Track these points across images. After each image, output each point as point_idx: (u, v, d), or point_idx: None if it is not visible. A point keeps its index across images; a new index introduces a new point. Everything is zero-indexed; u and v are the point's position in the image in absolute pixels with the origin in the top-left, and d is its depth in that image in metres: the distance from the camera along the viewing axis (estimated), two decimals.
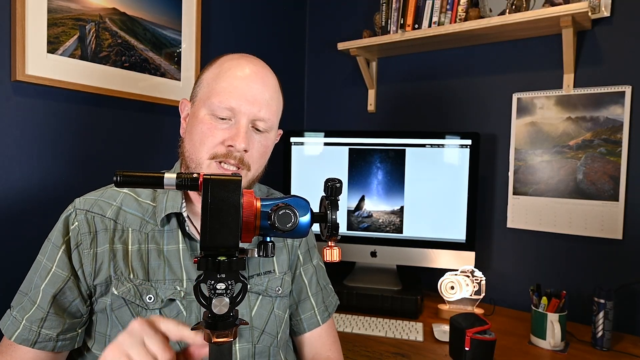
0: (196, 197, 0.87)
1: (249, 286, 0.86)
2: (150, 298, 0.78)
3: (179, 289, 0.80)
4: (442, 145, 1.55)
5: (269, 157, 0.89)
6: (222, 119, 0.80)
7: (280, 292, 0.90)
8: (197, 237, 0.84)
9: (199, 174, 0.52)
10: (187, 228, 0.84)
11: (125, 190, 0.86)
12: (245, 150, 0.80)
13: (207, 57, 1.64)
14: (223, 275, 0.50)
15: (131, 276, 0.79)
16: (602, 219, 1.43)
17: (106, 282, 0.78)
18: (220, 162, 0.80)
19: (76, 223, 0.80)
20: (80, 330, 0.80)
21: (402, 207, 1.58)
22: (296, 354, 1.00)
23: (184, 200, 0.84)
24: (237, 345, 0.82)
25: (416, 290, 1.52)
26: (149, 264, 0.80)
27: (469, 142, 1.52)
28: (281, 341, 0.90)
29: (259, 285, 0.88)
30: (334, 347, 1.00)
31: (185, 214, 0.83)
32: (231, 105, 0.79)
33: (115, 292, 0.77)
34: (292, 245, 0.97)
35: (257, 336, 0.85)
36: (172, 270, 0.81)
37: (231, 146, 0.79)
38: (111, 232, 0.81)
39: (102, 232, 0.80)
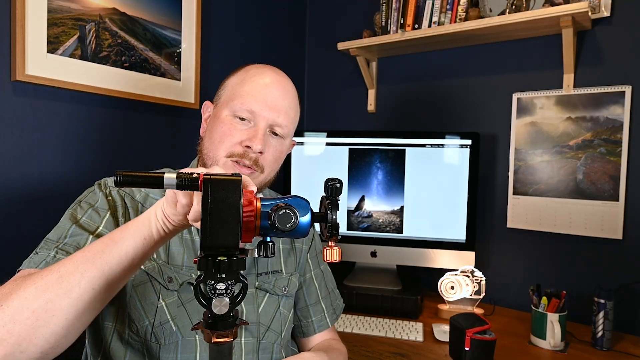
0: None
1: (257, 283, 0.89)
2: (169, 279, 0.80)
3: (194, 276, 0.82)
4: (442, 145, 1.55)
5: (282, 163, 0.92)
6: (242, 119, 0.84)
7: (286, 291, 0.93)
8: None
9: (199, 173, 0.52)
10: None
11: None
12: (261, 152, 0.84)
13: (207, 57, 1.64)
14: (223, 276, 0.50)
15: (154, 256, 0.81)
16: (602, 219, 1.43)
17: None
18: (236, 162, 0.84)
19: (111, 197, 0.83)
20: None
21: (402, 207, 1.58)
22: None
23: None
24: (242, 339, 0.85)
25: (416, 290, 1.52)
26: (169, 248, 0.83)
27: (469, 142, 1.52)
28: (284, 340, 0.92)
29: (267, 284, 0.90)
30: (339, 341, 1.04)
31: None
32: (252, 108, 0.84)
33: (142, 267, 0.79)
34: (300, 248, 1.00)
35: (262, 332, 0.87)
36: (190, 257, 0.84)
37: (248, 147, 0.83)
38: (138, 213, 0.83)
39: (132, 210, 0.83)
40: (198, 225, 0.59)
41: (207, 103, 0.93)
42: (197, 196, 0.57)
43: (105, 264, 0.60)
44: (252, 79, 0.86)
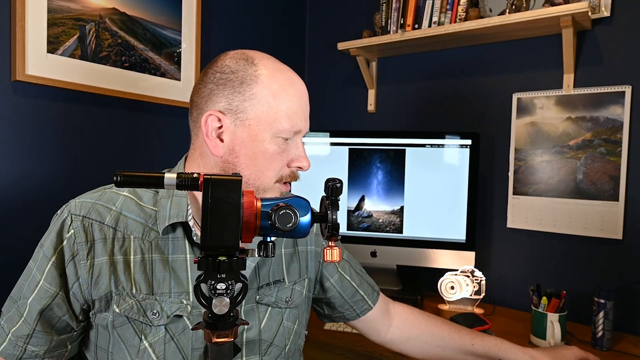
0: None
1: (258, 297, 0.83)
2: (155, 313, 0.73)
3: (185, 302, 0.75)
4: (442, 145, 1.55)
5: None
6: (286, 139, 0.77)
7: (290, 303, 0.87)
8: None
9: (199, 173, 0.52)
10: (194, 237, 0.77)
11: (125, 192, 0.78)
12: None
13: (207, 57, 1.64)
14: (223, 275, 0.50)
15: (134, 291, 0.73)
16: (602, 219, 1.43)
17: (106, 298, 0.73)
18: (284, 182, 0.80)
19: (72, 231, 0.73)
20: (70, 346, 0.77)
21: (402, 207, 1.58)
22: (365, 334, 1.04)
23: (189, 206, 0.77)
24: (244, 359, 0.80)
25: (416, 290, 1.52)
26: (153, 275, 0.74)
27: (469, 142, 1.52)
28: (289, 352, 0.88)
29: (268, 297, 0.84)
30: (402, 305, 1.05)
31: (191, 223, 0.76)
32: (300, 128, 0.78)
33: (117, 310, 0.72)
34: (305, 251, 0.94)
35: (264, 348, 0.83)
36: (179, 282, 0.76)
37: (300, 168, 0.79)
38: (110, 242, 0.74)
39: (100, 242, 0.73)
40: None
41: (214, 113, 0.74)
42: None
43: None
44: (288, 90, 0.76)
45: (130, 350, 0.73)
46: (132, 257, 0.74)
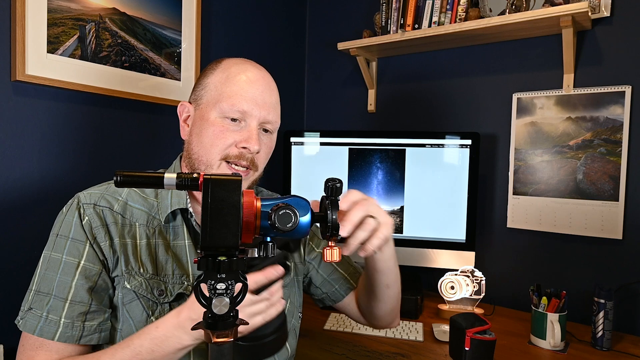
0: (199, 196, 0.87)
1: None
2: (160, 292, 0.79)
3: (186, 283, 0.81)
4: (442, 145, 1.55)
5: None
6: (233, 120, 0.82)
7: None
8: None
9: (199, 173, 0.52)
10: (193, 223, 0.87)
11: None
12: (257, 152, 0.84)
13: (207, 57, 1.64)
14: (223, 275, 0.50)
15: (141, 270, 0.80)
16: (602, 219, 1.43)
17: (118, 276, 0.80)
18: (230, 163, 0.83)
19: (87, 217, 0.80)
20: (109, 323, 0.81)
21: (402, 207, 1.58)
22: (347, 313, 1.07)
23: (187, 196, 0.87)
24: None
25: (416, 290, 1.52)
26: (157, 258, 0.82)
27: (469, 142, 1.52)
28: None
29: None
30: None
31: (190, 210, 0.86)
32: (243, 109, 0.82)
33: (128, 286, 0.78)
34: None
35: None
36: (180, 264, 0.83)
37: (245, 148, 0.82)
38: (120, 226, 0.81)
39: (113, 225, 0.81)
40: None
41: (184, 104, 0.89)
42: None
43: None
44: (236, 77, 0.84)
45: (138, 327, 0.78)
46: (138, 240, 0.82)
